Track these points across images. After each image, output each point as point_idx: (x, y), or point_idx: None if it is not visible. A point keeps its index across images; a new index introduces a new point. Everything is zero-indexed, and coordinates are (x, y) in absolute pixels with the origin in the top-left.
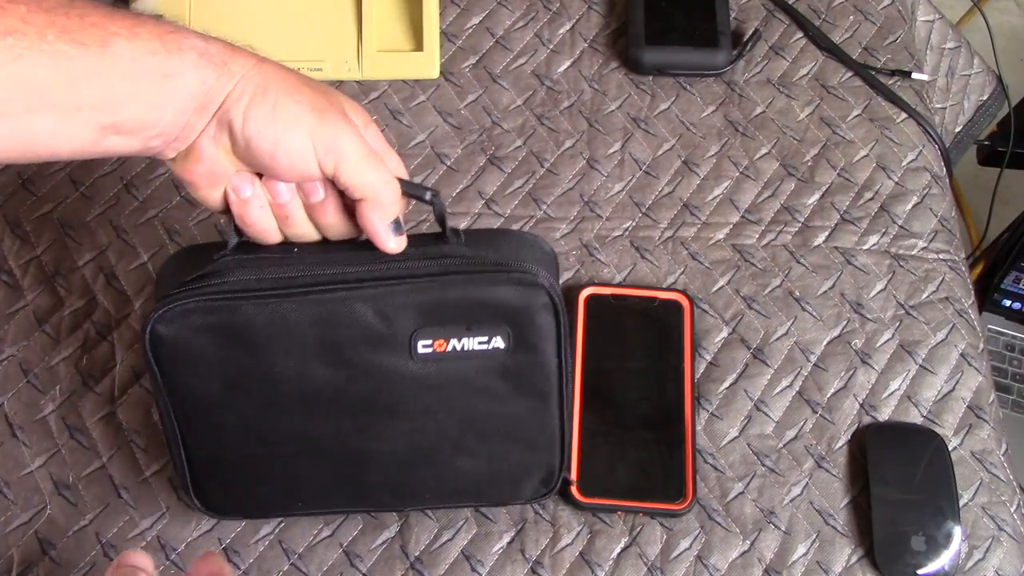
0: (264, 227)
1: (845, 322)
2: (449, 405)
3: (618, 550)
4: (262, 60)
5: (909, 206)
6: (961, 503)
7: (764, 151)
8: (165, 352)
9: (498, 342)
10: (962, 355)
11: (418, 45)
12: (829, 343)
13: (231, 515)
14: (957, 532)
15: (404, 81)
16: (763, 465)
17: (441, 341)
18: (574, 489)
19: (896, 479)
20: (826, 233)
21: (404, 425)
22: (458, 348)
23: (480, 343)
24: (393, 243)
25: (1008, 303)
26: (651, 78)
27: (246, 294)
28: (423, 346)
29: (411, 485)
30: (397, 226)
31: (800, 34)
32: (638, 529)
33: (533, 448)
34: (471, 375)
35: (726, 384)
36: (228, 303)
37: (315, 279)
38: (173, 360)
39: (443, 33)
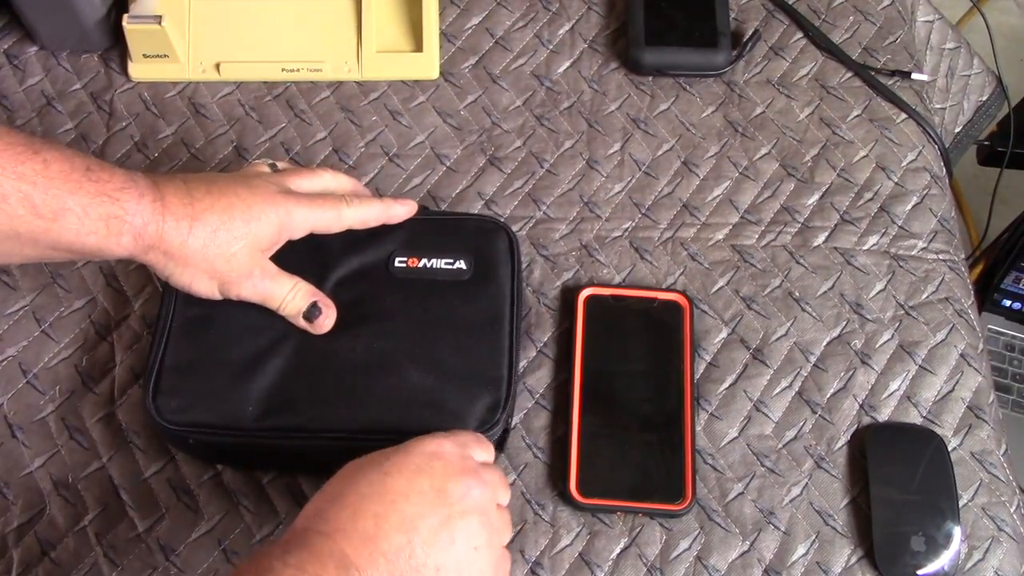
0: None
1: (845, 322)
2: (411, 308)
3: (617, 551)
4: (193, 229)
5: (909, 206)
6: (961, 503)
7: (764, 151)
8: None
9: (461, 264)
10: (962, 355)
11: (418, 46)
12: (829, 343)
13: (180, 418)
14: (957, 532)
15: (404, 82)
16: (763, 465)
17: (414, 259)
18: (574, 489)
19: (896, 479)
20: (826, 233)
21: (370, 328)
22: (428, 265)
23: (446, 263)
24: (309, 328)
25: (1008, 303)
26: (651, 78)
27: None
28: (399, 261)
29: (363, 392)
30: (311, 311)
31: (800, 34)
32: (637, 530)
33: (481, 374)
34: (436, 282)
35: (726, 384)
36: None
37: None
38: None
39: (443, 34)
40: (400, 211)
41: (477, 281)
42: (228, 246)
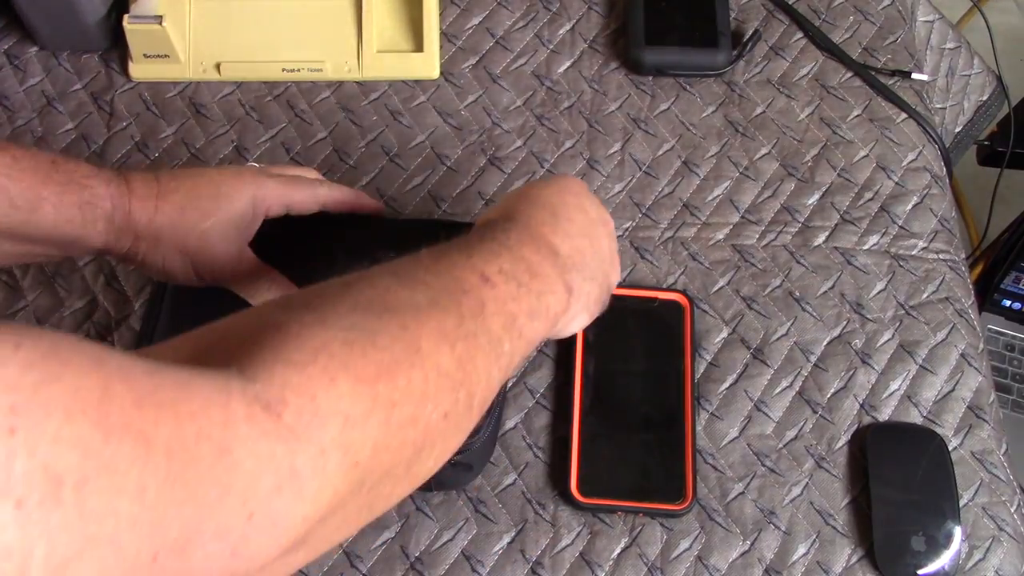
0: None
1: (845, 322)
2: None
3: (618, 550)
4: (159, 207)
5: (909, 206)
6: (961, 503)
7: (764, 151)
8: None
9: None
10: (962, 355)
11: (418, 46)
12: (829, 343)
13: None
14: (957, 532)
15: (404, 82)
16: (763, 465)
17: None
18: (574, 489)
19: (896, 479)
20: (826, 233)
21: None
22: None
23: None
24: None
25: (1008, 303)
26: (651, 78)
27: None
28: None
29: None
30: None
31: (800, 34)
32: (638, 529)
33: None
34: None
35: (726, 384)
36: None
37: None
38: None
39: (443, 33)
40: (370, 201)
41: None
42: (198, 223)
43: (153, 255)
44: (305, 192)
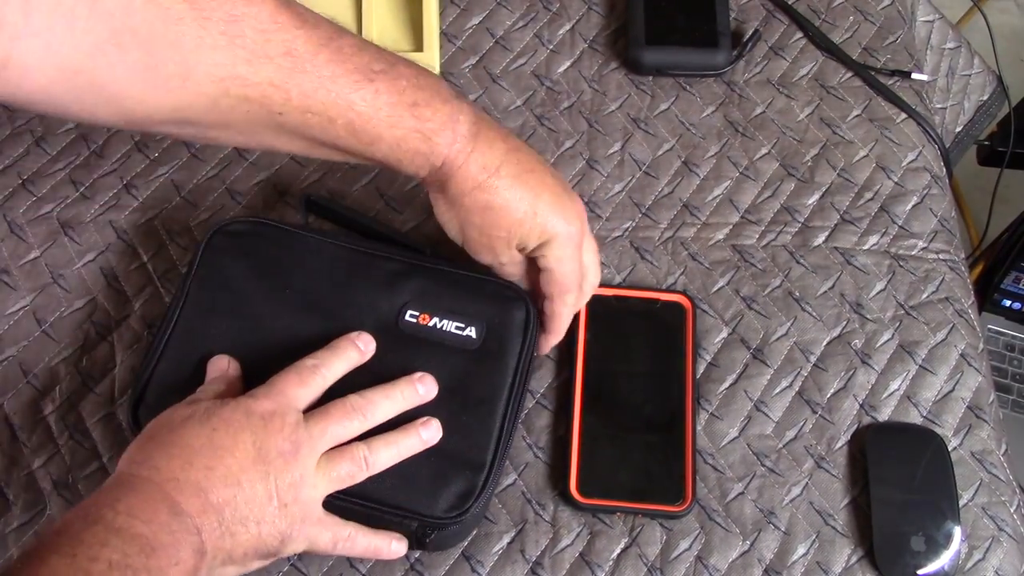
0: None
1: (845, 322)
2: (409, 371)
3: (618, 551)
4: (477, 194)
5: (909, 206)
6: (961, 503)
7: (764, 151)
8: (212, 250)
9: (471, 332)
10: (962, 355)
11: (418, 45)
12: (829, 343)
13: None
14: (957, 532)
15: None
16: (763, 465)
17: (426, 315)
18: (574, 490)
19: (896, 479)
20: (826, 233)
21: (363, 382)
22: (438, 325)
23: (457, 327)
24: None
25: (1008, 303)
26: (651, 78)
27: (300, 230)
28: (410, 315)
29: None
30: None
31: (800, 34)
32: (638, 530)
33: (461, 456)
34: (442, 346)
35: (726, 384)
36: (285, 231)
37: (357, 242)
38: (216, 253)
39: (443, 33)
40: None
41: (483, 354)
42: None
43: (439, 204)
44: None
